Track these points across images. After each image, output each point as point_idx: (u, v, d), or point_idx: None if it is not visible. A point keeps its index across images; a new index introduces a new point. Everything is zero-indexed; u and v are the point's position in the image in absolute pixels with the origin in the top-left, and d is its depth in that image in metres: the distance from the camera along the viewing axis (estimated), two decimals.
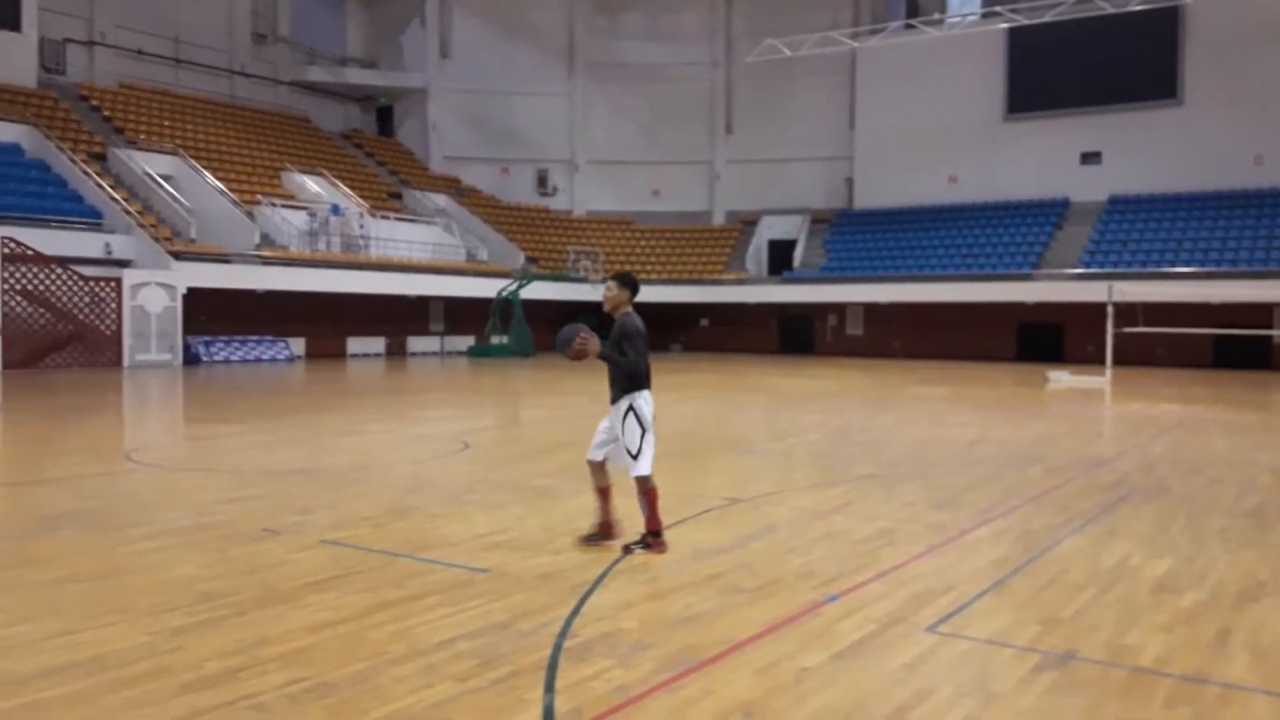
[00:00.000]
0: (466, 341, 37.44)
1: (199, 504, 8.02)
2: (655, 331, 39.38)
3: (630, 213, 44.80)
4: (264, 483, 9.22)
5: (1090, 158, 37.15)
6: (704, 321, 41.85)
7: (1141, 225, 34.79)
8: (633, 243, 43.56)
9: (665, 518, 6.60)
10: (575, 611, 5.15)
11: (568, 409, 17.09)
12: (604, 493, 6.59)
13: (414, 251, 34.74)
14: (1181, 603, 5.48)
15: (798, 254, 40.35)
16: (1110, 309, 25.18)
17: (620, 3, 44.71)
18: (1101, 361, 26.37)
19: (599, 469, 6.56)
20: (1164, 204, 35.28)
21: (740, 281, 39.91)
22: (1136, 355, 29.55)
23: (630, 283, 6.61)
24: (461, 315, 36.96)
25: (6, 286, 23.92)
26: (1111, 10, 32.97)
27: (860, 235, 39.94)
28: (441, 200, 40.85)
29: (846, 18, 41.14)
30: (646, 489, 6.42)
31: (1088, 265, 33.62)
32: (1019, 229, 36.97)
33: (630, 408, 6.34)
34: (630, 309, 6.57)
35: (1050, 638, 4.83)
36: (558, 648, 4.58)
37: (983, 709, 3.95)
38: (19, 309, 24.15)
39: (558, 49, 45.08)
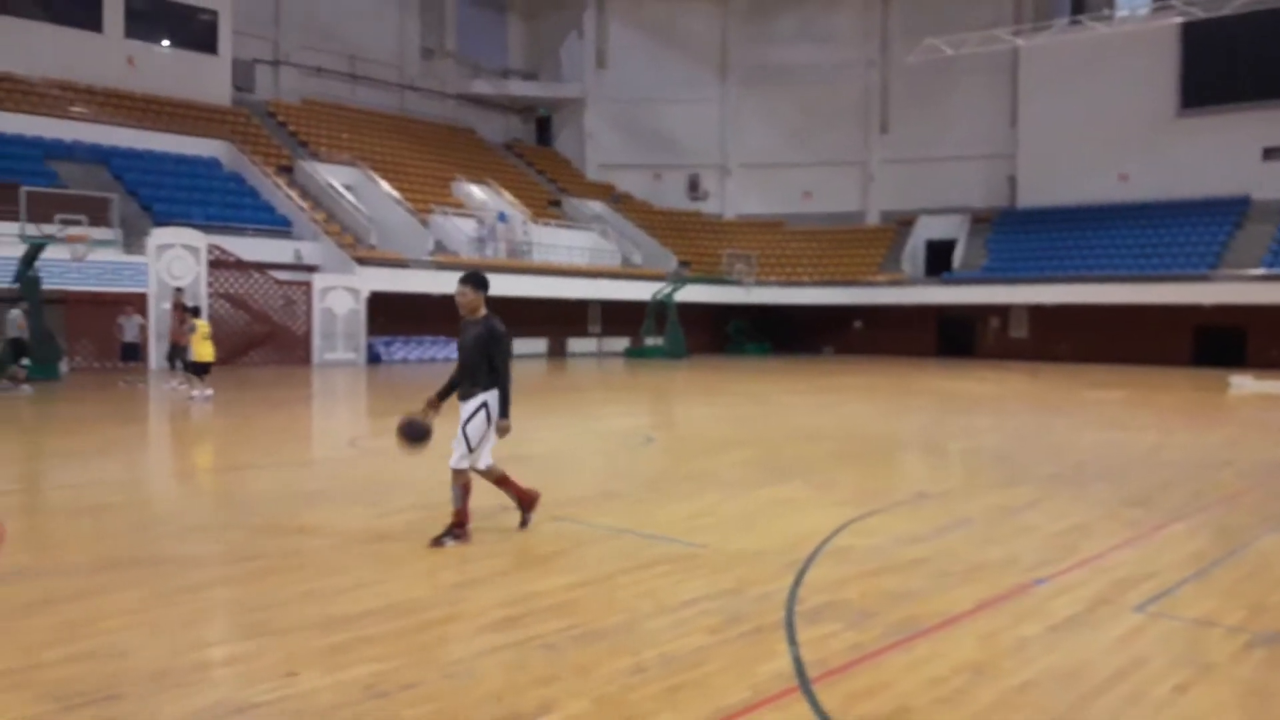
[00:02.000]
0: (622, 343, 38.40)
1: (430, 485, 8.83)
2: (805, 334, 38.66)
3: (781, 215, 44.99)
4: None
5: (1273, 153, 35.27)
6: (857, 324, 41.61)
7: None
8: (784, 244, 43.70)
9: (855, 508, 6.96)
10: (797, 582, 5.66)
11: (732, 408, 17.60)
12: (501, 481, 6.80)
13: (573, 256, 35.97)
14: None
15: (957, 254, 39.67)
16: None
17: (772, 7, 44.93)
18: None
19: (486, 473, 6.71)
20: None
21: (896, 283, 39.52)
22: None
23: (484, 284, 6.42)
24: (618, 317, 37.95)
25: (212, 290, 26.09)
26: None
27: (1024, 235, 39.00)
28: (597, 206, 42.02)
29: (1008, 14, 40.27)
30: (464, 481, 6.55)
31: (1271, 265, 32.00)
32: (1195, 228, 35.41)
33: (484, 404, 6.42)
34: (487, 310, 6.46)
35: (1259, 621, 5.06)
36: (790, 610, 5.10)
37: (1200, 676, 4.26)
38: (222, 310, 26.29)
39: (710, 56, 45.69)
